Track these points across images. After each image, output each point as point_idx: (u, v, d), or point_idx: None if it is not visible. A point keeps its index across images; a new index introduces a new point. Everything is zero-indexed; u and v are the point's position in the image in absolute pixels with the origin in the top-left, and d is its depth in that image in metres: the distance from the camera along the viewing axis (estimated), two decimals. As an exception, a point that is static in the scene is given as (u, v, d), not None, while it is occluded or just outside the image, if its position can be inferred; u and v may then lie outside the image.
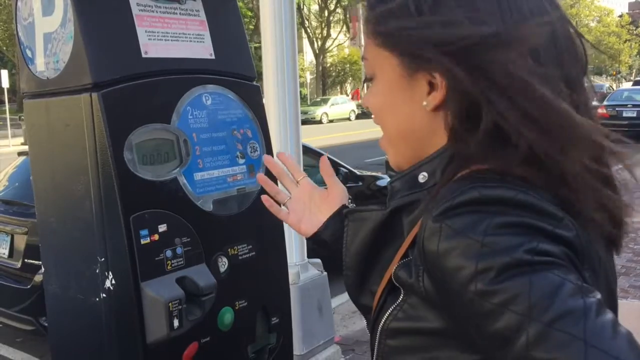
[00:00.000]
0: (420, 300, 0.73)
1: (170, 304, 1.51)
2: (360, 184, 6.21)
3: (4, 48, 29.39)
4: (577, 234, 0.68)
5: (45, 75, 1.64)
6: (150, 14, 1.65)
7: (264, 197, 1.14)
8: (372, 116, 0.89)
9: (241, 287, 1.78)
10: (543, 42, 0.73)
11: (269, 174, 1.18)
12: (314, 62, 42.13)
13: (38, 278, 3.66)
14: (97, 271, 1.56)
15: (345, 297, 4.42)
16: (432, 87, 0.77)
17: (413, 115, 0.81)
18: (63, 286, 1.70)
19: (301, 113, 3.87)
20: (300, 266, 3.40)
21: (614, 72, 64.19)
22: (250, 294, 1.80)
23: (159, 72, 1.63)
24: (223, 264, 1.72)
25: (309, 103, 33.42)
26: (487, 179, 0.71)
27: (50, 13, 1.59)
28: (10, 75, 22.26)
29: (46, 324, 2.09)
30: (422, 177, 0.81)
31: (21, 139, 17.64)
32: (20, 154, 4.84)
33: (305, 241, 3.41)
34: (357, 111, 30.52)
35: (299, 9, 35.02)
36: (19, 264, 3.92)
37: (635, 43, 64.82)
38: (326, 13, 40.56)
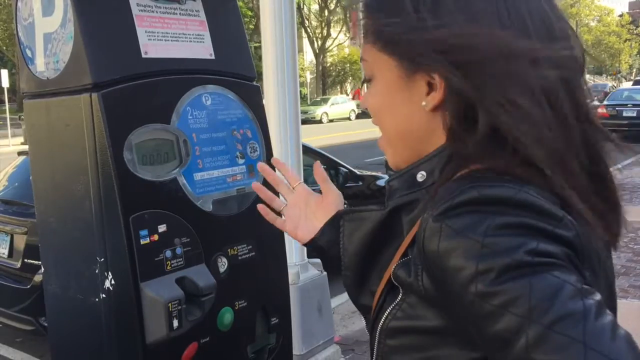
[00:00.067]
0: (419, 299, 0.74)
1: (169, 304, 1.51)
2: (360, 183, 6.21)
3: (4, 48, 29.39)
4: (577, 233, 0.68)
5: (45, 76, 1.64)
6: (150, 14, 1.65)
7: (260, 206, 1.14)
8: (371, 117, 0.89)
9: (241, 288, 1.78)
10: (542, 57, 0.73)
11: (265, 182, 1.18)
12: (314, 61, 42.12)
13: (38, 278, 3.66)
14: (97, 271, 1.56)
15: (344, 297, 4.42)
16: (430, 87, 0.77)
17: (412, 115, 0.81)
18: (63, 286, 1.70)
19: (301, 113, 3.87)
20: (300, 266, 3.40)
21: (614, 72, 64.20)
22: (250, 294, 1.80)
23: (158, 73, 1.63)
24: (223, 264, 1.72)
25: (309, 103, 33.42)
26: (487, 179, 0.71)
27: (50, 13, 1.59)
28: (10, 75, 22.26)
29: (46, 324, 2.09)
30: (421, 176, 0.81)
31: (21, 139, 17.64)
32: (20, 153, 4.84)
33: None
34: (357, 111, 30.50)
35: (299, 9, 35.01)
36: (18, 264, 3.92)
37: (636, 42, 64.82)
38: (326, 13, 40.57)
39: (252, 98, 1.87)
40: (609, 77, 63.58)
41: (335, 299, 4.19)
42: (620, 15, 68.18)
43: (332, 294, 3.77)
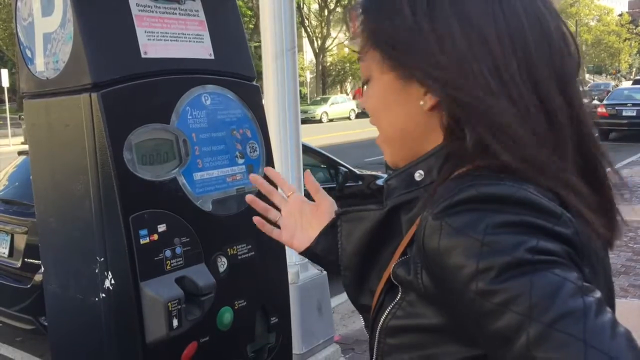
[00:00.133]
0: (419, 297, 0.74)
1: (169, 304, 1.51)
2: (360, 183, 6.21)
3: (4, 47, 29.37)
4: (575, 230, 0.69)
5: (44, 76, 1.64)
6: (150, 14, 1.65)
7: (255, 219, 1.15)
8: (369, 116, 0.89)
9: (240, 287, 1.78)
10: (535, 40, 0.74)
11: (259, 194, 1.19)
12: (314, 61, 42.11)
13: (38, 277, 3.66)
14: (97, 271, 1.56)
15: (344, 296, 4.40)
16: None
17: (409, 115, 0.81)
18: (62, 286, 1.70)
19: (301, 112, 3.87)
20: (300, 266, 3.40)
21: (614, 71, 64.18)
22: (250, 293, 1.81)
23: (158, 72, 1.63)
24: (222, 263, 1.72)
25: (308, 102, 33.40)
26: (486, 177, 0.71)
27: (49, 13, 1.60)
28: (11, 75, 22.24)
29: (46, 324, 2.09)
30: (419, 175, 0.81)
31: (21, 138, 17.63)
32: (20, 153, 4.84)
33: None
34: (357, 110, 30.50)
35: (299, 8, 35.00)
36: (19, 264, 3.92)
37: (635, 42, 64.81)
38: (326, 12, 40.55)
39: (252, 98, 1.87)
40: (608, 77, 63.56)
41: (335, 298, 4.19)
42: (620, 15, 68.16)
43: (332, 294, 3.77)
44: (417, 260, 0.73)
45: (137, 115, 1.56)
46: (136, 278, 1.51)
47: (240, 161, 1.81)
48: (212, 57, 1.79)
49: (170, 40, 1.69)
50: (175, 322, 1.52)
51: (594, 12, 64.20)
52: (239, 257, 1.77)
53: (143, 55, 1.61)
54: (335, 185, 5.99)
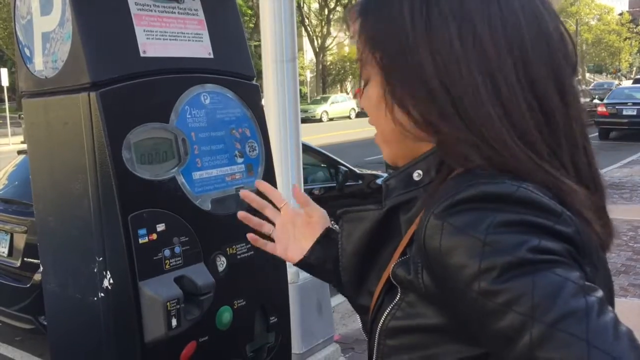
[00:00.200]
0: (419, 297, 0.74)
1: (168, 303, 1.51)
2: (360, 182, 6.21)
3: (4, 47, 29.36)
4: (577, 229, 0.69)
5: (43, 75, 1.63)
6: (149, 13, 1.65)
7: (249, 236, 1.17)
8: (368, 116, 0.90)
9: (240, 286, 1.78)
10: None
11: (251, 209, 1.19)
12: (314, 60, 42.11)
13: (37, 277, 3.65)
14: (95, 270, 1.56)
15: (344, 296, 4.41)
16: None
17: (407, 116, 0.81)
18: (61, 285, 1.70)
19: (301, 111, 3.87)
20: (300, 265, 3.40)
21: (614, 70, 64.18)
22: (249, 293, 1.80)
23: (157, 72, 1.63)
24: (221, 263, 1.72)
25: (309, 101, 33.42)
26: (487, 176, 0.71)
27: (48, 12, 1.59)
28: (10, 74, 22.25)
29: (45, 323, 2.09)
30: (417, 174, 0.81)
31: (21, 138, 17.61)
32: (20, 152, 4.84)
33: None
34: (357, 109, 30.49)
35: (299, 7, 34.99)
36: (18, 263, 3.92)
37: (636, 41, 64.79)
38: (326, 11, 40.54)
39: (251, 97, 1.87)
40: (609, 76, 63.56)
41: (334, 297, 4.19)
42: (620, 14, 68.13)
43: (332, 293, 3.77)
44: (417, 260, 0.73)
45: (136, 114, 1.56)
46: (135, 277, 1.51)
47: (240, 160, 1.81)
48: (212, 56, 1.79)
49: (169, 39, 1.69)
50: (174, 322, 1.52)
51: (594, 11, 64.19)
52: (238, 257, 1.77)
53: (142, 54, 1.61)
54: (335, 184, 5.99)
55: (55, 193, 1.68)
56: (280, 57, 3.23)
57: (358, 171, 6.31)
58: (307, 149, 5.39)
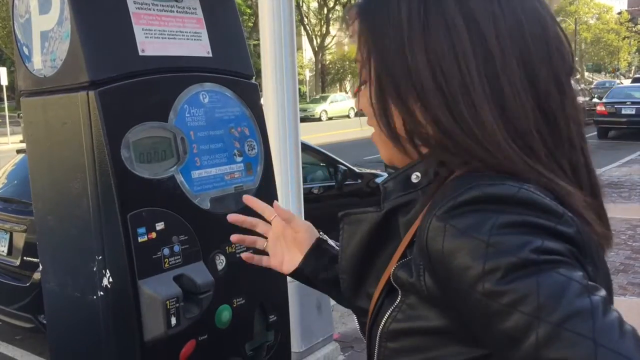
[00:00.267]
0: (420, 299, 0.74)
1: (167, 302, 1.51)
2: (359, 181, 6.22)
3: (3, 46, 29.31)
4: (578, 229, 0.69)
5: (42, 74, 1.63)
6: (147, 12, 1.65)
7: (243, 255, 1.20)
8: (367, 117, 0.89)
9: (239, 285, 1.78)
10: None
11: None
12: (313, 59, 42.09)
13: (37, 276, 3.66)
14: (95, 269, 1.56)
15: (343, 294, 4.40)
16: None
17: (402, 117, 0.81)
18: (60, 284, 1.70)
19: (300, 111, 3.87)
20: (299, 264, 3.40)
21: (613, 69, 64.19)
22: (248, 291, 1.80)
23: (155, 70, 1.63)
24: (221, 261, 1.72)
25: (308, 100, 33.41)
26: (488, 177, 0.71)
27: (47, 11, 1.59)
28: (9, 73, 22.24)
29: (45, 322, 2.09)
30: (415, 177, 0.81)
31: (20, 137, 17.61)
32: (19, 151, 4.84)
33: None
34: (356, 108, 30.44)
35: (298, 6, 34.97)
36: (17, 262, 3.93)
37: (634, 40, 64.80)
38: (325, 10, 40.51)
39: (250, 96, 1.87)
40: (607, 75, 63.56)
41: (334, 296, 4.19)
42: (619, 13, 68.12)
43: (331, 292, 3.77)
44: (419, 262, 0.73)
45: (134, 113, 1.56)
46: (134, 276, 1.51)
47: (239, 159, 1.81)
48: (210, 55, 1.79)
49: (168, 38, 1.69)
50: (173, 320, 1.52)
51: (593, 10, 64.18)
52: (238, 255, 1.76)
53: (141, 53, 1.61)
54: (334, 183, 5.99)
55: (54, 192, 1.68)
56: (280, 56, 3.23)
57: (357, 170, 6.31)
58: (306, 148, 5.39)
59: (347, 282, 0.91)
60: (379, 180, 6.21)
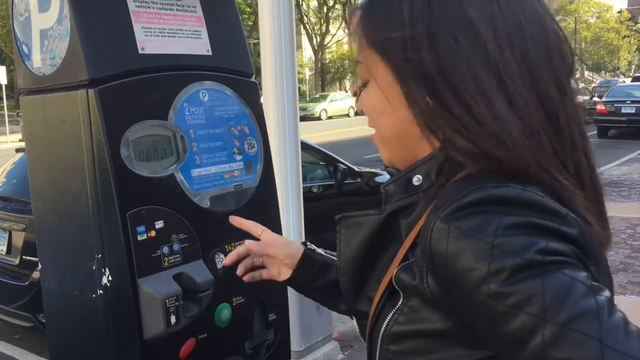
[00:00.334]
0: (423, 302, 0.74)
1: (167, 301, 1.51)
2: (359, 180, 6.21)
3: (2, 44, 29.31)
4: (581, 230, 0.69)
5: (41, 72, 1.63)
6: (147, 10, 1.65)
7: (245, 279, 1.30)
8: (368, 118, 0.89)
9: (238, 284, 1.76)
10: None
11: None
12: (313, 58, 42.08)
13: (36, 275, 3.66)
14: (94, 267, 1.56)
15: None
16: None
17: (406, 118, 0.80)
18: (60, 283, 1.70)
19: (300, 109, 3.88)
20: (299, 262, 3.40)
21: (613, 68, 64.20)
22: (248, 290, 1.80)
23: (155, 69, 1.63)
24: (220, 260, 1.72)
25: (307, 99, 33.42)
26: (492, 179, 0.71)
27: (46, 9, 1.59)
28: (9, 72, 22.23)
29: (44, 321, 2.09)
30: (417, 179, 0.80)
31: (19, 136, 17.62)
32: (18, 150, 4.84)
33: (303, 237, 3.41)
34: (356, 107, 30.48)
35: (298, 5, 34.96)
36: (17, 261, 3.93)
37: (635, 39, 64.80)
38: (325, 9, 40.49)
39: (250, 94, 1.87)
40: (607, 74, 63.54)
41: (333, 295, 4.19)
42: (619, 12, 68.13)
43: (331, 291, 3.77)
44: (422, 264, 0.72)
45: (134, 111, 1.56)
46: (134, 275, 1.51)
47: (238, 158, 1.81)
48: (210, 53, 1.79)
49: (168, 36, 1.68)
50: (173, 319, 1.52)
51: (593, 9, 64.18)
52: (237, 254, 1.76)
53: (140, 51, 1.60)
54: (334, 182, 5.99)
55: (54, 191, 1.68)
56: (279, 55, 3.23)
57: (357, 169, 6.31)
58: (305, 146, 5.38)
59: (347, 285, 0.90)
60: (378, 179, 6.21)
